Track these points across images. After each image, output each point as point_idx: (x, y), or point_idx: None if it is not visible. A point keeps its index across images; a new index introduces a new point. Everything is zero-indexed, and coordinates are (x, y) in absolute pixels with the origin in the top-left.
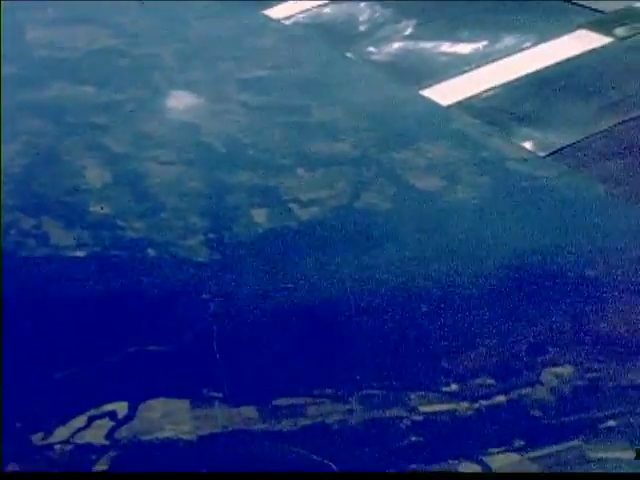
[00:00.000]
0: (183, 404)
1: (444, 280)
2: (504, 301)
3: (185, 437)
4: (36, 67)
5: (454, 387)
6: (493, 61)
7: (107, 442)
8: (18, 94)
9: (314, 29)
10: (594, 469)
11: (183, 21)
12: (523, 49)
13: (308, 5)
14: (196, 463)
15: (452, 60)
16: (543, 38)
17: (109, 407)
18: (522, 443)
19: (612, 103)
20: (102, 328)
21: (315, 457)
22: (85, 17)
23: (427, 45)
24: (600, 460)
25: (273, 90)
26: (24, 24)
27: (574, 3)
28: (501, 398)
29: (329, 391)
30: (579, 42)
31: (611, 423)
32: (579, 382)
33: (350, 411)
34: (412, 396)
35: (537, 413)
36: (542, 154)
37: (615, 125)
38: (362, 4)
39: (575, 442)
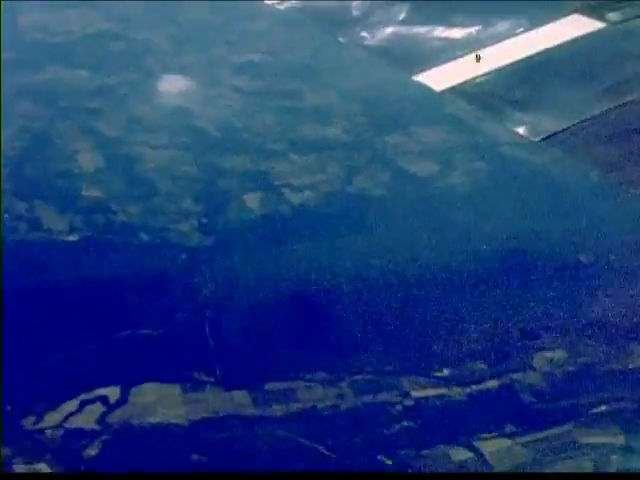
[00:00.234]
0: (175, 388)
1: (437, 265)
2: (497, 285)
3: (177, 421)
4: (30, 51)
5: (446, 372)
6: (487, 46)
7: (98, 427)
8: (12, 78)
9: (307, 13)
10: (585, 454)
11: (177, 5)
12: (517, 34)
13: None
14: (187, 447)
15: (445, 45)
16: (537, 23)
17: (101, 391)
18: (513, 428)
19: (606, 88)
20: (94, 312)
21: (306, 441)
22: (79, 1)
23: (420, 30)
24: (591, 445)
25: (266, 75)
26: (18, 8)
27: None
28: (493, 383)
29: (321, 376)
30: (573, 27)
31: (602, 408)
32: (571, 367)
33: (341, 396)
34: (404, 381)
35: (529, 398)
36: (536, 139)
37: (608, 110)
38: None
39: (566, 427)
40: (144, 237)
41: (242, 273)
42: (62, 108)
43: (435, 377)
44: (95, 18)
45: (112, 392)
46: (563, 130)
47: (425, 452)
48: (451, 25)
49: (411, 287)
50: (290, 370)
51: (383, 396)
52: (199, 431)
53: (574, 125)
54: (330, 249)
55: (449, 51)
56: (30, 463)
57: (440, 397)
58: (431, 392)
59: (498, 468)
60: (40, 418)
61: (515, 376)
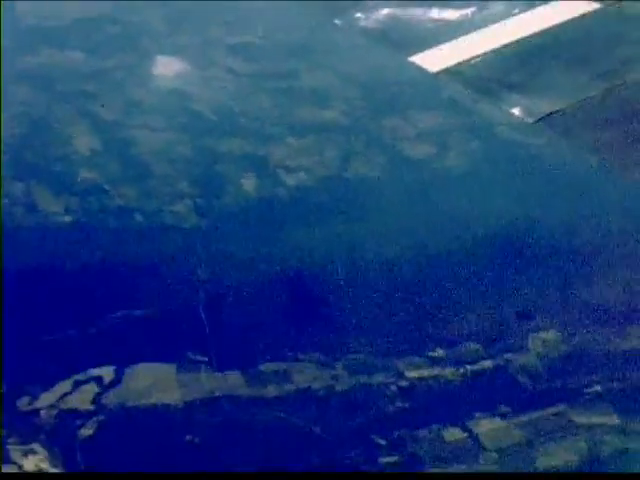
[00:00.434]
0: (169, 369)
1: (432, 247)
2: (492, 267)
3: (171, 402)
4: (24, 35)
5: (440, 352)
6: (482, 28)
7: (93, 407)
8: (7, 62)
9: None
10: (579, 434)
11: None
12: (512, 15)
13: None
14: (181, 428)
15: (441, 27)
16: (532, 4)
17: (95, 372)
18: (507, 409)
19: (601, 70)
20: (89, 293)
21: (300, 422)
22: None
23: (416, 12)
24: (585, 425)
25: (262, 56)
26: None
27: None
28: (487, 364)
29: (315, 356)
30: (569, 8)
31: (597, 388)
32: (565, 347)
33: (336, 377)
34: (398, 362)
35: (523, 379)
36: (531, 120)
37: (604, 92)
38: None
39: (560, 408)
40: (139, 219)
41: (237, 254)
42: (58, 92)
43: (429, 357)
44: (90, 1)
45: (106, 372)
46: (558, 111)
47: (419, 432)
48: (446, 7)
49: (406, 269)
50: (284, 351)
51: (377, 377)
52: (193, 411)
53: (569, 107)
54: (326, 231)
55: (444, 33)
56: (25, 444)
57: (434, 378)
58: (425, 373)
59: (492, 448)
60: (35, 398)
61: (510, 357)
